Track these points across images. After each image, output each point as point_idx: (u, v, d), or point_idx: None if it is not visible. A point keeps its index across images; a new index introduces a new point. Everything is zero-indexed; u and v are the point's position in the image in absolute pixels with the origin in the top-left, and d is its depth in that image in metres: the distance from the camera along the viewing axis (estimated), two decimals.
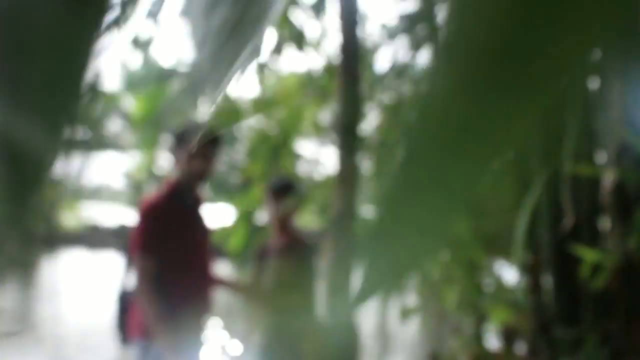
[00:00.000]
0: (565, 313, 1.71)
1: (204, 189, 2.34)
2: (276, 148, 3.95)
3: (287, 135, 3.98)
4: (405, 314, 2.28)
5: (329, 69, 3.76)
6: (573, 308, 1.71)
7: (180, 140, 2.17)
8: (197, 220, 2.23)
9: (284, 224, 2.55)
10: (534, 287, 1.83)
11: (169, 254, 2.05)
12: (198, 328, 2.14)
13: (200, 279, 2.17)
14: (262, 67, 4.59)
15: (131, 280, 2.16)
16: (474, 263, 2.04)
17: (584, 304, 1.69)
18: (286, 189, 2.56)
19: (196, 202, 2.23)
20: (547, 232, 1.74)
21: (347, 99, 1.84)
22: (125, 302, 2.18)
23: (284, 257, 2.52)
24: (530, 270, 1.82)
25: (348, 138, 1.86)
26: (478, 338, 2.21)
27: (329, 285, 1.85)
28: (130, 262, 2.20)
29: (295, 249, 2.55)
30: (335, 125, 1.97)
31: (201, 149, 2.15)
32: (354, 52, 1.94)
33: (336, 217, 1.87)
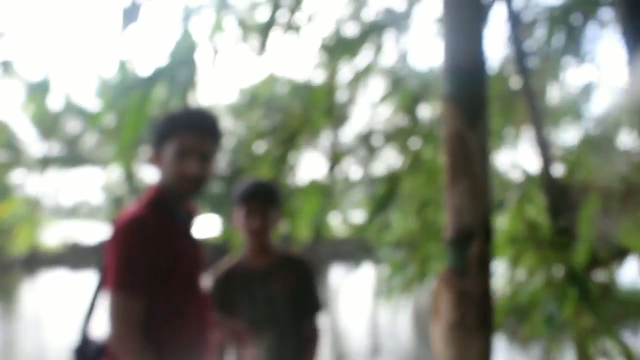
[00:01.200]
0: None
1: (198, 199, 1.72)
2: (281, 153, 3.36)
3: (292, 138, 3.39)
4: None
5: None
6: None
7: (167, 130, 1.57)
8: (192, 239, 1.63)
9: (260, 238, 1.95)
10: None
11: (159, 289, 1.45)
12: None
13: (200, 323, 1.56)
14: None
15: (99, 326, 1.54)
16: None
17: None
18: (260, 194, 1.94)
19: (190, 215, 1.64)
20: None
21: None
22: (88, 357, 1.54)
23: (270, 281, 1.91)
24: None
25: (469, 94, 1.17)
26: None
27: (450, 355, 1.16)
28: (98, 300, 1.57)
29: (286, 270, 1.96)
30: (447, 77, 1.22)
31: (196, 140, 1.56)
32: None
33: (456, 235, 1.14)
